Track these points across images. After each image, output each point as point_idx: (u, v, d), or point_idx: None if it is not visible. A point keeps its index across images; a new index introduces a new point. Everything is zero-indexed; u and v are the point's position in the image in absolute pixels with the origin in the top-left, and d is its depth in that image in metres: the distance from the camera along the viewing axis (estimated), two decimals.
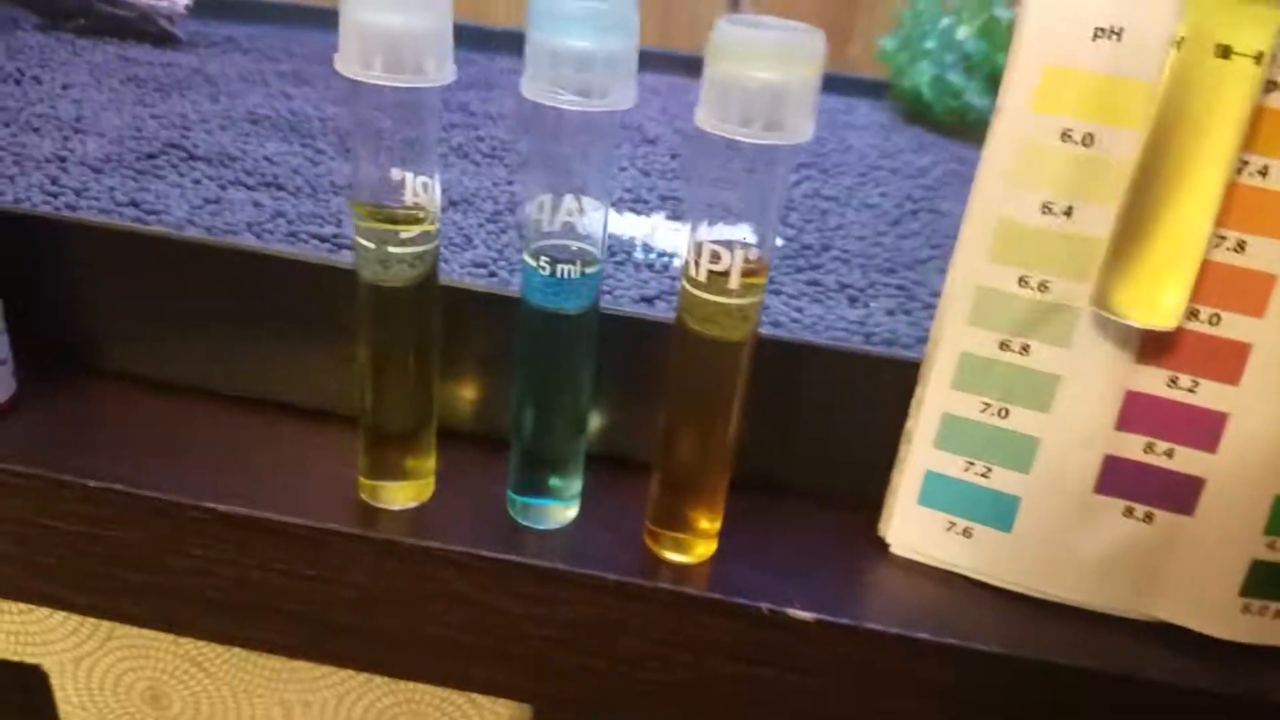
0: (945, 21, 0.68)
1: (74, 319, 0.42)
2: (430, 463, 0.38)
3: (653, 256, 0.47)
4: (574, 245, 0.33)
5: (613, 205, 0.52)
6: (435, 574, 0.37)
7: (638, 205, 0.52)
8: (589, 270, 0.33)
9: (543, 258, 0.33)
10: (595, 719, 0.41)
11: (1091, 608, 0.37)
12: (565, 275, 0.33)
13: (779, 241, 0.50)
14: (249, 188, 0.48)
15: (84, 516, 0.37)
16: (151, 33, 0.68)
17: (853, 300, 0.45)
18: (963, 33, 0.66)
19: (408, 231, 0.32)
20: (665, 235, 0.49)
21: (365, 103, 0.31)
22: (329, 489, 0.38)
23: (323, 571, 0.37)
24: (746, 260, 0.32)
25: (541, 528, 0.38)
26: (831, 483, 0.41)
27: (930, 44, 0.68)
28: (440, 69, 0.31)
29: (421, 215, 0.32)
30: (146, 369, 0.43)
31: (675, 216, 0.51)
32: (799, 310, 0.43)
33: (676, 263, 0.45)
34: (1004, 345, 0.35)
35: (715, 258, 0.32)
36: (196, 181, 0.48)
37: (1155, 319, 0.33)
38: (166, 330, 0.42)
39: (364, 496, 0.38)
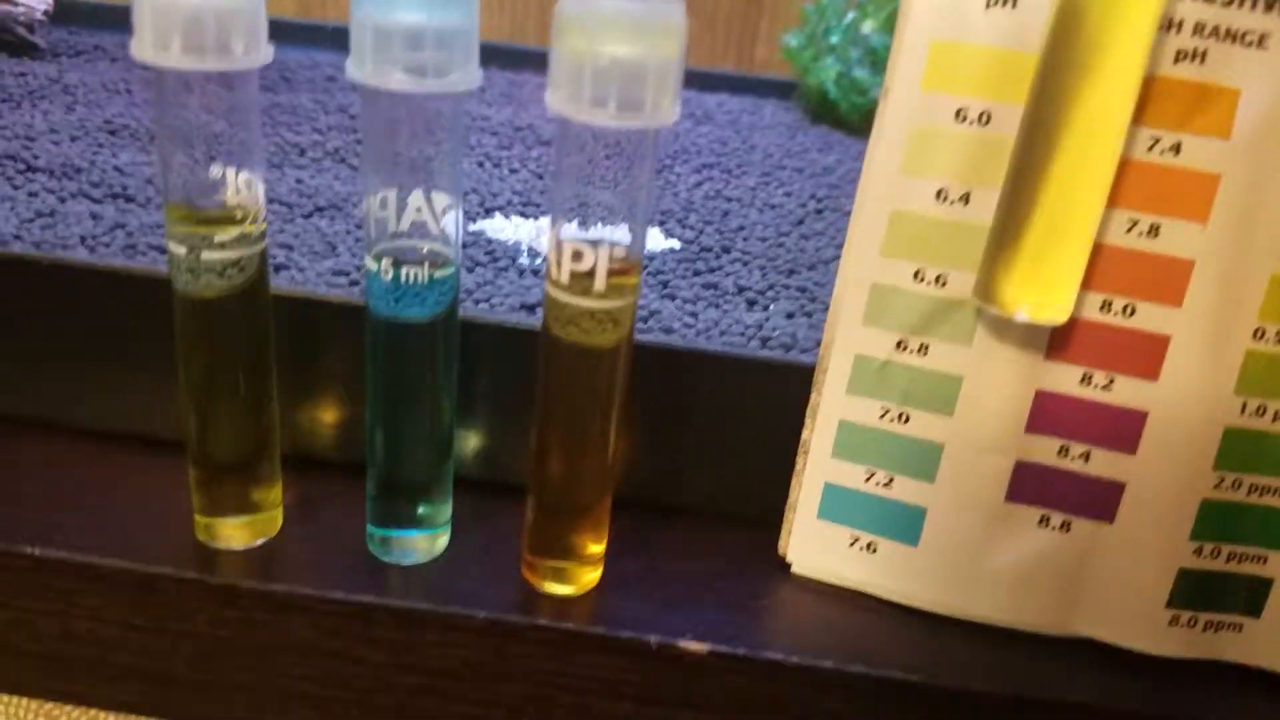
0: (849, 16, 0.65)
1: None
2: (275, 494, 0.34)
3: (538, 262, 0.43)
4: (424, 247, 0.29)
5: (501, 210, 0.49)
6: (282, 621, 0.33)
7: (527, 209, 0.49)
8: (440, 274, 0.30)
9: (385, 259, 0.29)
10: None
11: (1008, 625, 0.34)
12: (411, 280, 0.29)
13: (674, 244, 0.47)
14: (93, 199, 0.44)
15: None
16: (8, 41, 0.63)
17: (751, 304, 0.42)
18: (868, 26, 0.64)
19: (224, 234, 0.28)
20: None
21: (170, 88, 0.27)
22: (166, 529, 0.34)
23: (155, 622, 0.33)
24: (613, 259, 0.28)
25: (405, 563, 0.34)
26: (727, 501, 0.38)
27: (834, 39, 0.65)
28: (251, 50, 0.27)
29: (240, 215, 0.28)
30: None
31: None
32: (693, 315, 0.40)
33: None
34: (901, 345, 0.32)
35: (578, 256, 0.28)
36: (33, 194, 0.43)
37: (1044, 313, 0.30)
38: None
39: (200, 537, 0.34)
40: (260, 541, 0.34)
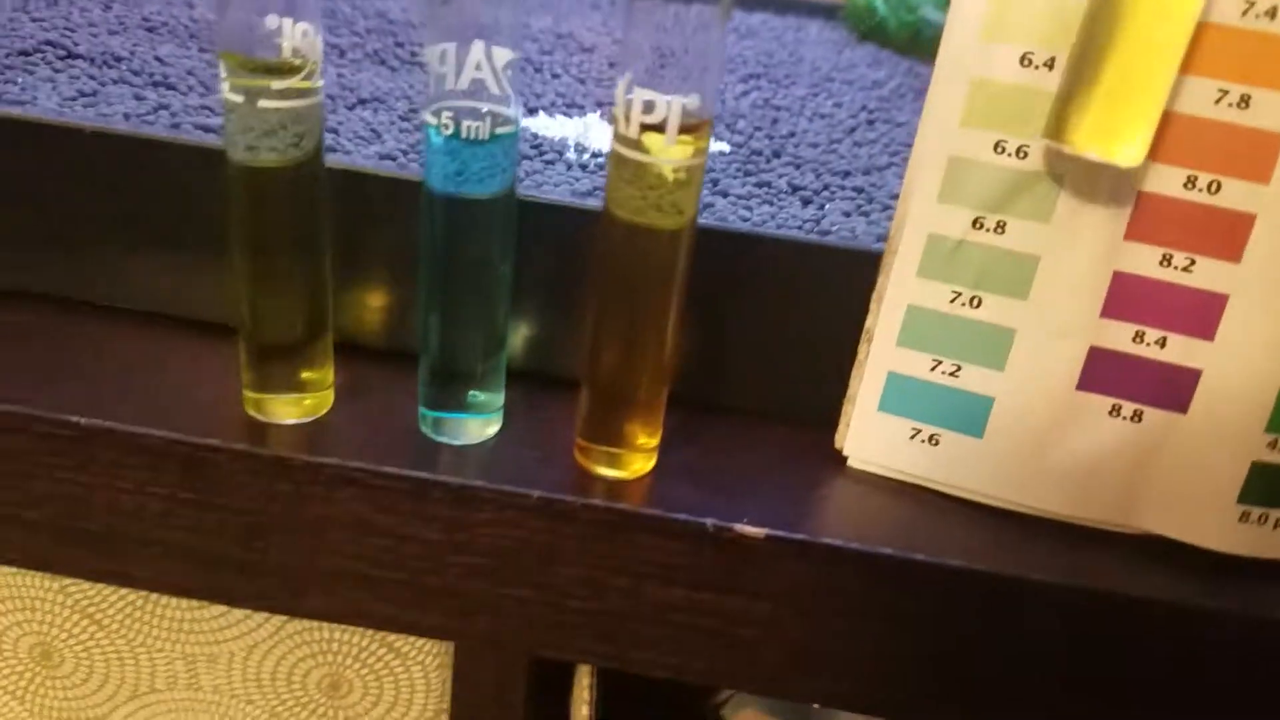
0: None
1: None
2: (327, 374, 0.33)
3: (586, 156, 0.42)
4: (484, 107, 0.28)
5: (545, 110, 0.47)
6: (334, 496, 0.32)
7: (571, 110, 0.48)
8: (500, 131, 0.29)
9: (445, 114, 0.28)
10: (521, 658, 0.37)
11: (1072, 519, 0.33)
12: (472, 135, 0.28)
13: (724, 148, 0.46)
14: (134, 85, 0.43)
15: None
16: None
17: (806, 202, 0.41)
18: None
19: (282, 83, 0.27)
20: (600, 135, 0.44)
21: None
22: (215, 405, 0.33)
23: (203, 497, 0.32)
24: (686, 112, 0.27)
25: (458, 443, 0.33)
26: (783, 396, 0.37)
27: None
28: None
29: (299, 64, 0.27)
30: (11, 278, 0.38)
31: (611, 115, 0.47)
32: (748, 210, 0.39)
33: None
34: (978, 223, 0.31)
35: (649, 108, 0.27)
36: (74, 77, 0.43)
37: (1116, 153, 0.29)
38: (27, 232, 0.37)
39: (250, 411, 0.33)
40: (310, 419, 0.33)
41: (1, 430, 0.32)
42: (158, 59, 0.46)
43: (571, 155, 0.42)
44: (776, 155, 0.46)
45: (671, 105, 0.27)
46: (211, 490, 0.32)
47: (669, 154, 0.28)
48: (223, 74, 0.28)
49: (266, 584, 0.34)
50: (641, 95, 0.27)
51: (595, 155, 0.42)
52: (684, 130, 0.27)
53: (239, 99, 0.28)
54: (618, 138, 0.28)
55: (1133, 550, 0.33)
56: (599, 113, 0.47)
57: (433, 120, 0.28)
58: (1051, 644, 0.32)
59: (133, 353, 0.36)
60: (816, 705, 0.40)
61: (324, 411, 0.34)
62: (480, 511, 0.32)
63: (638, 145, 0.28)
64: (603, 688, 0.42)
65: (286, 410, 0.33)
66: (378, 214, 0.35)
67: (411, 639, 0.40)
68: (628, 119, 0.27)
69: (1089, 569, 0.32)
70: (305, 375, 0.33)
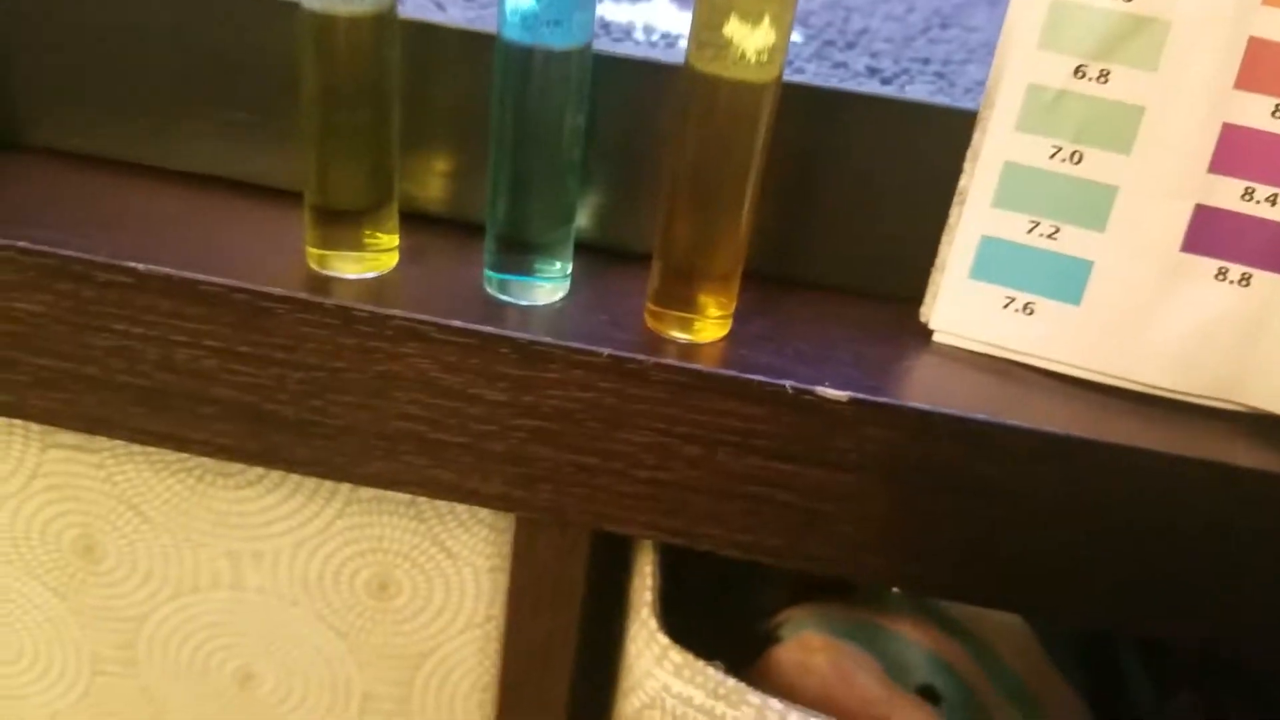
0: None
1: None
2: (393, 235, 0.32)
3: (655, 37, 0.41)
4: None
5: None
6: (398, 352, 0.31)
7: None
8: None
9: None
10: (584, 532, 0.35)
11: (1174, 393, 0.31)
12: None
13: (797, 38, 0.44)
14: None
15: None
16: None
17: (885, 82, 0.39)
18: None
19: None
20: (668, 16, 0.43)
21: None
22: (277, 257, 0.32)
23: (263, 349, 0.31)
24: None
25: (524, 304, 0.32)
26: (866, 270, 0.35)
27: None
28: None
29: None
30: (71, 140, 0.37)
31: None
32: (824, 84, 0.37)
33: (683, 44, 0.39)
34: (1080, 72, 0.29)
35: None
36: None
37: None
38: (91, 94, 0.36)
39: (313, 266, 0.32)
40: (374, 275, 0.32)
41: (63, 276, 0.31)
42: None
43: (640, 35, 0.41)
44: (850, 46, 0.44)
45: None
46: (270, 343, 0.31)
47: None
48: None
49: (325, 448, 0.33)
50: None
51: (664, 35, 0.41)
52: None
53: None
54: None
55: (1238, 426, 0.31)
56: None
57: None
58: (1152, 520, 0.30)
59: (191, 212, 0.35)
60: (895, 589, 0.39)
61: (389, 268, 0.32)
62: (548, 371, 0.30)
63: None
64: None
65: (351, 265, 0.32)
66: (447, 72, 0.34)
67: (463, 538, 0.39)
68: None
69: (1195, 442, 0.30)
70: (371, 234, 0.32)
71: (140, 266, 0.31)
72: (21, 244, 0.31)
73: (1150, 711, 0.44)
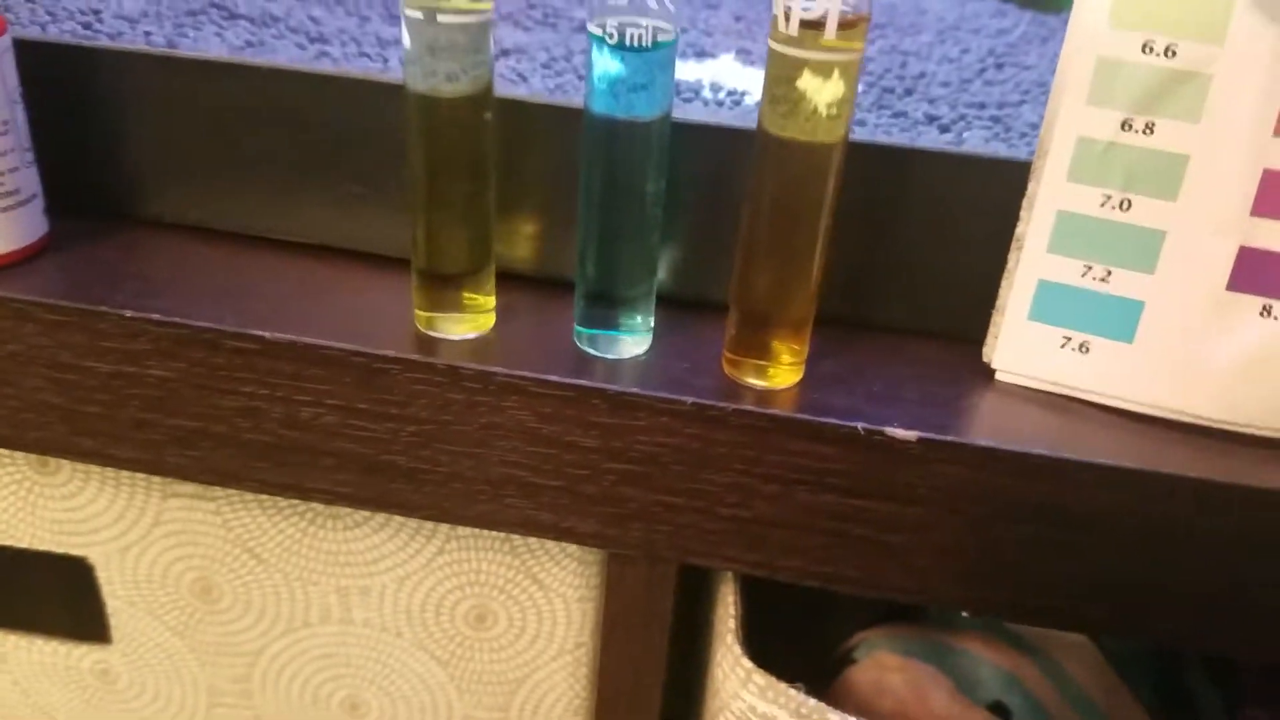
0: None
1: (112, 160, 0.40)
2: (491, 297, 0.35)
3: (722, 95, 0.43)
4: (644, 20, 0.30)
5: (679, 57, 0.49)
6: (501, 405, 0.34)
7: (703, 57, 0.49)
8: (661, 39, 0.30)
9: (610, 23, 0.29)
10: (672, 566, 0.38)
11: (1225, 424, 0.33)
12: (635, 43, 0.29)
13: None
14: (294, 39, 0.45)
15: (122, 354, 0.35)
16: None
17: (944, 130, 0.41)
18: None
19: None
20: (734, 74, 0.45)
21: None
22: (388, 322, 0.35)
23: (379, 406, 0.34)
24: (845, 3, 0.28)
25: (612, 357, 0.35)
26: (931, 312, 0.37)
27: None
28: None
29: None
30: (192, 214, 0.40)
31: (744, 56, 0.48)
32: (886, 135, 0.40)
33: (748, 100, 0.42)
34: (1126, 125, 0.31)
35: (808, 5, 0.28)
36: (238, 33, 0.45)
37: None
38: (213, 170, 0.39)
39: (421, 328, 0.35)
40: (476, 335, 0.35)
41: (194, 345, 0.34)
42: (311, 19, 0.49)
43: (708, 94, 0.43)
44: (909, 93, 0.46)
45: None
46: (386, 400, 0.34)
47: (827, 52, 0.29)
48: (402, 6, 0.30)
49: (435, 493, 0.36)
50: None
51: (731, 94, 0.43)
52: (843, 26, 0.28)
53: (419, 15, 0.29)
54: (776, 38, 0.29)
55: None
56: (732, 54, 0.48)
57: (598, 30, 0.30)
58: (1213, 547, 0.32)
59: (306, 280, 0.38)
60: (965, 614, 0.41)
61: (489, 329, 0.35)
62: (636, 419, 0.33)
63: (797, 43, 0.29)
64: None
65: (455, 326, 0.35)
66: (536, 142, 0.36)
67: (554, 571, 0.41)
68: (788, 17, 0.28)
69: (1247, 470, 0.32)
70: (471, 296, 0.35)
71: (267, 334, 0.34)
72: (154, 316, 0.34)
73: None
